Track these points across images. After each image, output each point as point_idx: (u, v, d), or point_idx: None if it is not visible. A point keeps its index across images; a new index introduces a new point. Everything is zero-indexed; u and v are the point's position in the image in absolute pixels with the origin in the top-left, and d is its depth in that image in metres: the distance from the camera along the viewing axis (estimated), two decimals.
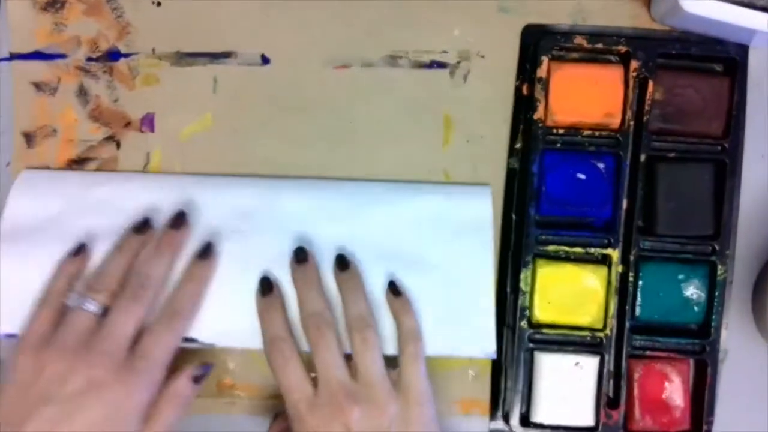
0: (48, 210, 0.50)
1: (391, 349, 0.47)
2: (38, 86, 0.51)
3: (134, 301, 0.43)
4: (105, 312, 0.43)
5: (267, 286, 0.47)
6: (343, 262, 0.47)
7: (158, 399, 0.43)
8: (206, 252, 0.47)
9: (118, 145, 0.51)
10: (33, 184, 0.51)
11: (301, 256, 0.47)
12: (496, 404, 0.52)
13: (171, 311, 0.44)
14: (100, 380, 0.40)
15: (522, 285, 0.50)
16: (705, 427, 0.50)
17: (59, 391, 0.39)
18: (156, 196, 0.50)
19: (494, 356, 0.49)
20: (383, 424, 0.42)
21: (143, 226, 0.47)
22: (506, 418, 0.51)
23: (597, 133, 0.50)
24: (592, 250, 0.50)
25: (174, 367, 0.45)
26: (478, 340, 0.50)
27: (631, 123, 0.50)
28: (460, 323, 0.50)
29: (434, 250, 0.50)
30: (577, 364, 0.50)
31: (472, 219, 0.51)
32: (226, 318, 0.48)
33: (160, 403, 0.42)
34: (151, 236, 0.47)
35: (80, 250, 0.46)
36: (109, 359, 0.41)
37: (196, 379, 0.44)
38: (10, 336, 0.47)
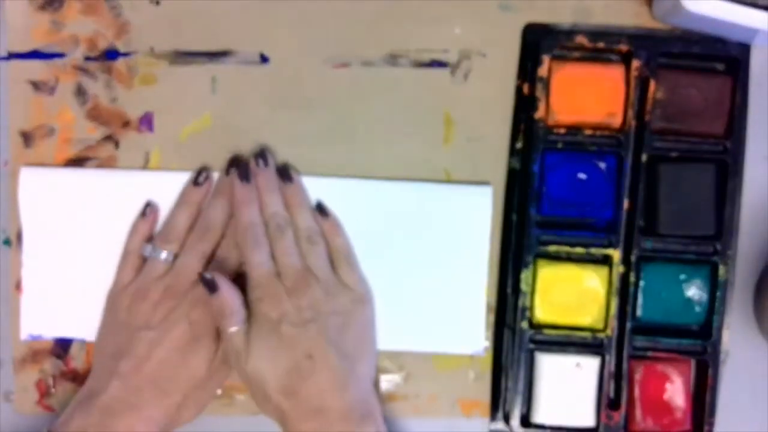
0: (63, 210, 0.51)
1: (384, 345, 0.51)
2: (36, 85, 0.51)
3: (199, 241, 0.49)
4: (176, 257, 0.50)
5: (246, 174, 0.50)
6: (287, 175, 0.50)
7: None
8: (239, 166, 0.50)
9: (117, 145, 0.51)
10: (40, 184, 0.51)
11: (263, 161, 0.50)
12: (497, 405, 0.52)
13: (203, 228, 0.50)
14: (176, 306, 0.48)
15: (523, 285, 0.50)
16: (706, 428, 0.50)
17: (150, 321, 0.48)
18: (163, 192, 0.51)
19: (483, 353, 0.51)
20: (329, 311, 0.47)
21: (201, 178, 0.50)
22: (507, 419, 0.51)
23: (598, 133, 0.50)
24: (594, 250, 0.50)
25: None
26: (468, 337, 0.51)
27: (633, 122, 0.50)
28: (451, 320, 0.51)
29: (432, 248, 0.51)
30: (577, 364, 0.50)
31: (471, 218, 0.51)
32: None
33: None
34: (209, 187, 0.51)
35: (147, 211, 0.51)
36: (181, 290, 0.48)
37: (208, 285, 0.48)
38: (36, 338, 0.52)
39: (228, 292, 0.47)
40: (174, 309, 0.48)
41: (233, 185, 0.49)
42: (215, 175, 0.51)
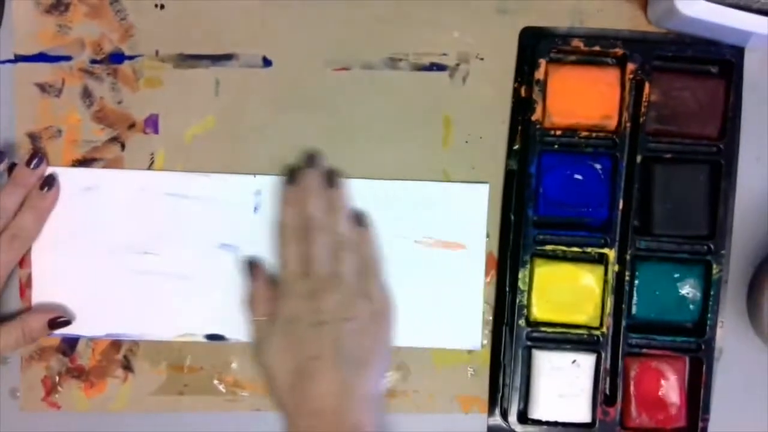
0: (70, 210, 0.52)
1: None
2: (42, 88, 0.52)
3: None
4: None
5: (291, 177, 0.51)
6: (331, 180, 0.51)
7: (10, 322, 0.50)
8: (48, 183, 0.51)
9: (123, 147, 0.52)
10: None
11: (310, 163, 0.52)
12: (495, 401, 0.52)
13: (10, 235, 0.50)
14: None
15: (520, 284, 0.51)
16: (701, 425, 0.51)
17: None
18: (168, 192, 0.52)
19: (479, 348, 0.53)
20: (345, 317, 0.48)
21: None
22: (504, 415, 0.52)
23: (594, 135, 0.51)
24: (589, 249, 0.51)
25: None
26: (466, 333, 0.52)
27: (628, 124, 0.50)
28: (449, 316, 0.52)
29: (430, 245, 0.52)
30: (574, 361, 0.51)
31: (468, 216, 0.52)
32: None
33: (8, 326, 0.50)
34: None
35: None
36: None
37: (52, 325, 0.51)
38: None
39: (261, 283, 0.51)
40: None
41: (281, 186, 0.51)
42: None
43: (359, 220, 0.51)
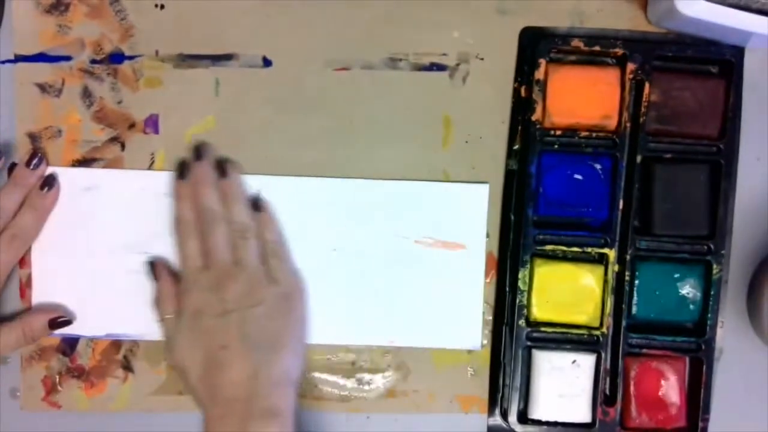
0: (70, 210, 0.52)
1: (384, 341, 0.53)
2: (42, 88, 0.52)
3: None
4: None
5: (182, 171, 0.51)
6: (222, 169, 0.51)
7: (10, 322, 0.50)
8: (48, 183, 0.51)
9: (123, 147, 0.52)
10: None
11: (197, 155, 0.51)
12: (495, 401, 0.52)
13: (10, 235, 0.50)
14: None
15: (520, 284, 0.51)
16: (701, 425, 0.51)
17: None
18: (168, 192, 0.52)
19: (479, 348, 0.52)
20: (251, 304, 0.48)
21: None
22: (504, 415, 0.52)
23: (594, 135, 0.51)
24: (589, 249, 0.51)
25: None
26: (466, 333, 0.52)
27: (628, 124, 0.50)
28: (449, 316, 0.52)
29: (430, 245, 0.52)
30: (574, 361, 0.51)
31: (468, 215, 0.52)
32: None
33: (8, 326, 0.50)
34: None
35: None
36: None
37: (52, 325, 0.51)
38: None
39: (164, 282, 0.51)
40: None
41: (172, 182, 0.51)
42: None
43: (256, 205, 0.51)
